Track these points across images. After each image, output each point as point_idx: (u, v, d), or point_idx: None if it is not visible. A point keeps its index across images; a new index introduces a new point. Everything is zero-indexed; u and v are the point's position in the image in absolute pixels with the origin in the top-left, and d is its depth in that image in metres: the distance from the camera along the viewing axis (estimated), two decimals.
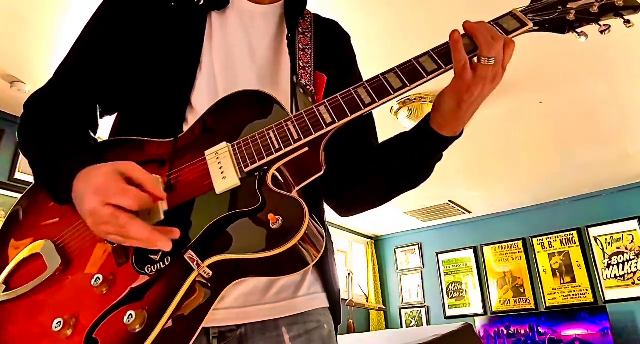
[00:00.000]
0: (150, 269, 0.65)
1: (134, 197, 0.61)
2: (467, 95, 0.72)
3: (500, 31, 0.73)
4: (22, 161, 3.41)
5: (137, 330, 0.61)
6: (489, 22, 0.75)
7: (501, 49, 0.69)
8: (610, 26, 0.71)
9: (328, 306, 0.86)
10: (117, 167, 0.65)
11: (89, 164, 0.68)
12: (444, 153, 0.83)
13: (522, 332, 5.08)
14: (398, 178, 0.86)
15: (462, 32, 0.72)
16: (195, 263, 0.63)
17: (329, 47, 0.98)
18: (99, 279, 0.66)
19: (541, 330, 4.96)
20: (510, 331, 5.14)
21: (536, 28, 0.74)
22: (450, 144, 0.80)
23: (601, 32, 0.72)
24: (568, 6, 0.72)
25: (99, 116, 0.89)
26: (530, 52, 2.93)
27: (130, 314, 0.61)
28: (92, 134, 0.87)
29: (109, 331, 0.62)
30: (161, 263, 0.65)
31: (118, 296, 0.64)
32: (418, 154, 0.82)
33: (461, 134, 0.80)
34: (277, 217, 0.63)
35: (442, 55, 0.72)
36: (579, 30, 0.73)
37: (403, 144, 0.84)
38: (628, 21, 0.70)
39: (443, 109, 0.76)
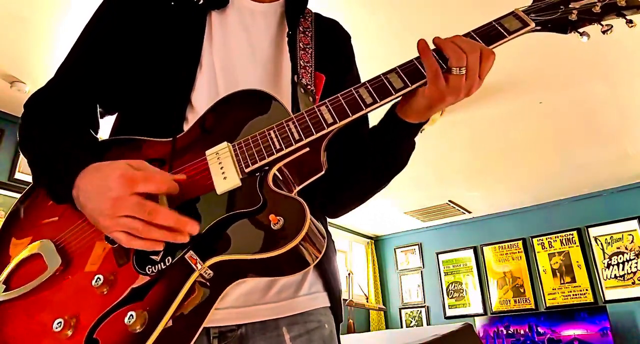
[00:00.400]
0: (151, 269, 0.65)
1: (161, 181, 0.63)
2: (439, 102, 0.73)
3: (479, 40, 0.73)
4: (22, 161, 3.41)
5: (138, 331, 0.60)
6: (492, 22, 0.74)
7: (476, 60, 0.69)
8: (612, 26, 0.71)
9: (329, 305, 0.86)
10: (130, 163, 0.66)
11: (90, 162, 0.68)
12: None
13: (522, 332, 5.08)
14: (374, 170, 0.87)
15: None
16: (196, 263, 0.63)
17: (330, 47, 0.98)
18: (100, 279, 0.66)
19: (541, 330, 4.96)
20: (509, 331, 5.14)
21: (538, 28, 0.74)
22: (417, 129, 0.81)
23: (603, 32, 0.71)
24: (570, 6, 0.72)
25: (99, 116, 0.89)
26: (531, 52, 2.93)
27: (131, 315, 0.61)
28: (92, 134, 0.87)
29: (110, 332, 0.62)
30: (162, 264, 0.65)
31: (119, 297, 0.64)
32: (389, 142, 0.83)
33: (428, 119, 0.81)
34: (278, 217, 0.63)
35: (444, 56, 0.72)
36: (581, 30, 0.73)
37: (375, 136, 0.85)
38: (630, 21, 0.70)
39: (412, 105, 0.76)
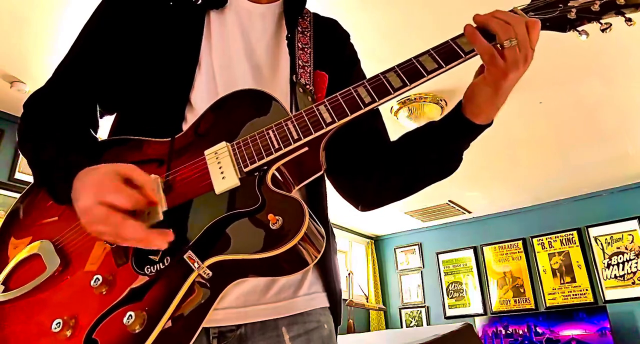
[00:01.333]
0: (149, 269, 0.65)
1: (128, 196, 0.61)
2: (504, 81, 0.72)
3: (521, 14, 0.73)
4: (22, 161, 3.41)
5: (137, 331, 0.60)
6: None
7: (523, 30, 0.69)
8: (611, 24, 0.71)
9: (328, 306, 0.86)
10: (116, 169, 0.65)
11: (88, 164, 0.68)
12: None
13: (520, 332, 5.08)
14: (426, 167, 0.86)
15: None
16: (195, 263, 0.63)
17: (329, 47, 0.98)
18: (99, 279, 0.66)
19: (539, 330, 4.96)
20: (508, 331, 5.14)
21: None
22: (482, 132, 0.80)
23: (602, 30, 0.71)
24: (569, 4, 0.72)
25: (98, 116, 0.89)
26: None
27: (130, 315, 0.61)
28: (92, 134, 0.86)
29: (109, 332, 0.62)
30: (161, 264, 0.65)
31: (117, 297, 0.64)
32: (449, 142, 0.82)
33: (492, 121, 0.81)
34: (277, 217, 0.63)
35: (442, 55, 0.72)
36: (579, 28, 0.73)
37: (433, 132, 0.84)
38: (629, 19, 0.70)
39: (478, 100, 0.76)
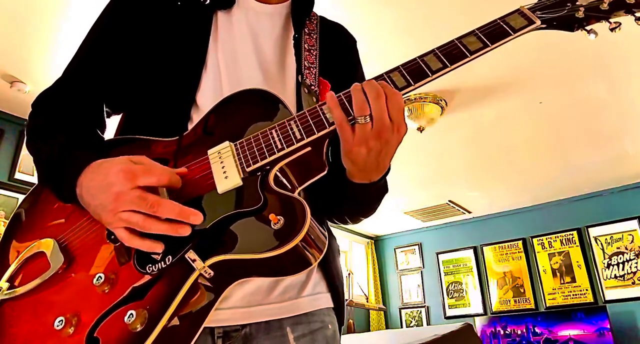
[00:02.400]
0: (151, 268, 0.65)
1: (162, 173, 0.63)
2: (352, 155, 0.70)
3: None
4: (22, 161, 3.40)
5: (138, 329, 0.60)
6: (497, 20, 0.73)
7: (379, 105, 0.66)
8: (620, 24, 0.70)
9: (332, 306, 0.86)
10: (129, 158, 0.66)
11: (93, 160, 0.68)
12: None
13: (519, 332, 5.08)
14: (346, 210, 0.88)
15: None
16: (197, 262, 0.63)
17: (335, 50, 0.98)
18: (101, 278, 0.66)
19: (538, 330, 4.97)
20: (506, 331, 5.14)
21: (544, 26, 0.73)
22: (375, 186, 0.77)
23: (611, 29, 0.70)
24: (577, 3, 0.71)
25: (105, 116, 0.89)
26: (531, 52, 2.93)
27: (131, 314, 0.61)
28: (98, 133, 0.87)
29: (110, 330, 0.62)
30: (162, 263, 0.65)
31: (120, 295, 0.64)
32: (347, 195, 0.81)
33: (386, 174, 0.78)
34: (278, 217, 0.63)
35: (448, 54, 0.72)
36: (588, 27, 0.72)
37: (336, 184, 0.82)
38: (639, 18, 0.69)
39: (345, 165, 0.75)
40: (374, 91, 0.67)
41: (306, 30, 0.94)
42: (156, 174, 0.64)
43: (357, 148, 0.68)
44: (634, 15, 0.69)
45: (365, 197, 0.82)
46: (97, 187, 0.65)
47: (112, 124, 0.91)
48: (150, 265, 0.65)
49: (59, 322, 0.64)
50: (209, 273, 0.63)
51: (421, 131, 3.58)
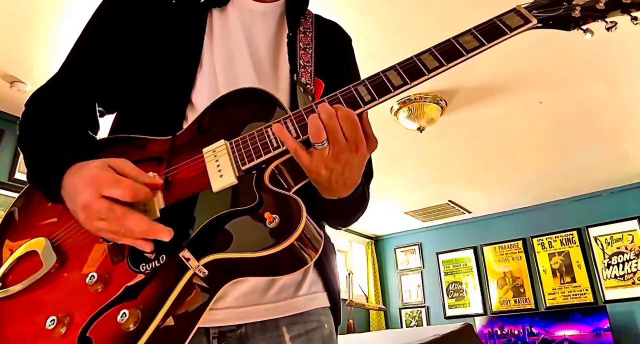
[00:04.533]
0: (145, 267, 0.64)
1: (128, 187, 0.61)
2: (314, 176, 0.70)
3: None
4: (22, 161, 3.40)
5: (131, 329, 0.60)
6: (493, 19, 0.73)
7: (335, 126, 0.65)
8: (616, 23, 0.70)
9: (329, 305, 0.85)
10: (109, 162, 0.65)
11: (81, 160, 0.68)
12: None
13: (516, 332, 5.08)
14: (325, 220, 0.87)
15: None
16: (191, 261, 0.63)
17: (330, 49, 0.97)
18: (94, 277, 0.66)
19: (535, 331, 4.96)
20: (504, 332, 5.14)
21: (540, 25, 0.72)
22: (345, 201, 0.76)
23: (607, 29, 0.70)
24: (574, 2, 0.71)
25: (99, 115, 0.89)
26: (531, 52, 2.92)
27: (124, 313, 0.61)
28: (90, 133, 0.86)
29: (103, 330, 0.61)
30: (156, 262, 0.64)
31: (113, 295, 0.64)
32: (322, 207, 0.80)
33: (359, 188, 0.76)
34: (273, 216, 0.62)
35: (444, 53, 0.71)
36: (584, 27, 0.72)
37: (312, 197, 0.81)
38: (635, 18, 0.69)
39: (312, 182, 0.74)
40: (326, 113, 0.65)
41: (301, 29, 0.94)
42: (121, 187, 0.61)
43: (316, 172, 0.68)
44: (630, 15, 0.68)
45: (339, 211, 0.80)
46: (71, 193, 0.65)
47: (106, 123, 0.90)
48: (143, 264, 0.64)
49: (50, 322, 0.64)
50: (204, 272, 0.63)
51: (421, 131, 3.58)
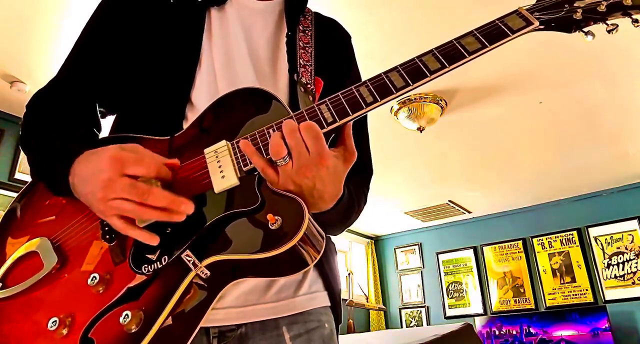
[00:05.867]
0: (147, 268, 0.64)
1: (151, 164, 0.62)
2: (288, 189, 0.67)
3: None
4: (22, 161, 3.40)
5: (133, 330, 0.60)
6: (495, 20, 0.73)
7: (297, 139, 0.64)
8: (617, 25, 0.70)
9: (329, 305, 0.85)
10: (123, 147, 0.65)
11: (85, 150, 0.68)
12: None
13: (514, 332, 5.08)
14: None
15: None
16: (193, 263, 0.63)
17: (330, 47, 0.97)
18: (96, 278, 0.65)
19: (533, 331, 4.97)
20: (501, 332, 5.14)
21: (542, 27, 0.72)
22: (330, 214, 0.74)
23: (609, 31, 0.70)
24: (575, 5, 0.71)
25: (100, 116, 0.89)
26: (531, 52, 2.92)
27: (127, 314, 0.61)
28: (93, 130, 0.86)
29: (105, 331, 0.61)
30: (158, 263, 0.64)
31: (114, 296, 0.64)
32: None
33: (342, 199, 0.74)
34: (276, 217, 0.62)
35: (446, 54, 0.71)
36: (585, 29, 0.72)
37: None
38: (636, 20, 0.69)
39: None
40: (287, 127, 0.64)
41: (300, 28, 0.94)
42: (145, 164, 0.62)
43: (284, 187, 0.66)
44: (631, 17, 0.69)
45: (327, 223, 0.77)
46: (88, 174, 0.65)
47: (107, 124, 0.90)
48: (146, 265, 0.64)
49: (52, 323, 0.64)
50: (206, 274, 0.63)
51: (421, 131, 3.58)
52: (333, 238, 0.91)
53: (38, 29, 2.59)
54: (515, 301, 5.43)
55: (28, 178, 0.82)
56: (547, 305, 5.19)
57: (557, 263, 5.28)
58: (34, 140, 0.78)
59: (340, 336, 0.88)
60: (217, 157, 0.70)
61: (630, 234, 4.88)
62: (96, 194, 0.63)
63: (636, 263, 4.77)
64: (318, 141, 0.64)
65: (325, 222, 0.75)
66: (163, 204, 0.61)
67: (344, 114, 0.70)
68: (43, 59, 2.84)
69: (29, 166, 0.78)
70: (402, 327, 6.07)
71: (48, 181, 0.74)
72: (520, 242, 5.61)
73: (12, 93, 3.11)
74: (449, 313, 5.83)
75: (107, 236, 0.68)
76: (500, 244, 5.74)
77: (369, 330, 5.88)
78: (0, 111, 3.38)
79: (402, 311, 6.22)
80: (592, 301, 4.93)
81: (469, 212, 5.87)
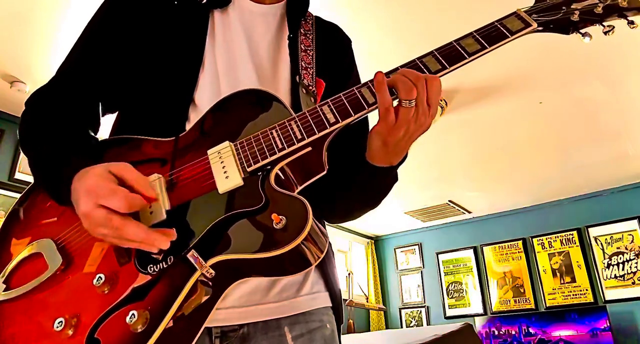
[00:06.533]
0: (152, 268, 0.65)
1: (123, 199, 0.61)
2: (390, 137, 0.72)
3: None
4: (22, 161, 3.41)
5: (140, 330, 0.60)
6: (494, 22, 0.74)
7: (423, 89, 0.68)
8: (614, 27, 0.71)
9: (331, 305, 0.86)
10: (110, 168, 0.65)
11: (87, 165, 0.68)
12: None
13: (513, 332, 5.08)
14: (352, 200, 0.88)
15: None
16: (198, 262, 0.63)
17: (331, 51, 0.98)
18: (101, 278, 0.66)
19: (532, 331, 4.97)
20: (501, 332, 5.15)
21: (540, 28, 0.74)
22: (393, 171, 0.79)
23: (605, 33, 0.71)
24: (572, 7, 0.72)
25: (100, 114, 0.89)
26: (531, 52, 2.93)
27: (133, 314, 0.61)
28: (92, 133, 0.86)
29: (111, 331, 0.62)
30: (164, 263, 0.65)
31: (120, 296, 0.64)
32: (361, 180, 0.82)
33: (403, 160, 0.79)
34: (280, 217, 0.63)
35: (446, 56, 0.72)
36: (582, 30, 0.73)
37: (347, 170, 0.83)
38: (632, 22, 0.70)
39: (371, 146, 0.76)
40: (414, 76, 0.69)
41: (302, 31, 0.94)
42: (117, 198, 0.61)
43: (396, 131, 0.70)
44: (627, 19, 0.70)
45: (378, 184, 0.82)
46: (74, 201, 0.66)
47: (107, 122, 0.90)
48: (151, 265, 0.65)
49: (58, 323, 0.64)
50: (211, 273, 0.64)
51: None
52: (332, 238, 0.92)
53: (38, 28, 2.60)
54: (515, 301, 5.43)
55: (28, 178, 0.83)
56: (547, 305, 5.19)
57: (557, 262, 5.28)
58: (34, 146, 0.78)
59: (340, 337, 0.89)
60: (220, 157, 0.71)
61: (630, 234, 4.88)
62: (82, 221, 0.65)
63: (636, 262, 4.78)
64: (439, 97, 0.70)
65: (383, 182, 0.81)
66: (137, 240, 0.62)
67: (346, 114, 0.71)
68: (43, 59, 2.85)
69: (32, 173, 0.78)
70: (402, 327, 6.07)
71: (51, 194, 0.75)
72: (520, 242, 5.61)
73: (12, 93, 3.12)
74: (449, 313, 5.83)
75: None
76: (500, 244, 5.74)
77: (369, 330, 5.88)
78: (1, 111, 3.39)
79: (402, 311, 6.22)
80: (592, 301, 4.93)
81: (469, 212, 5.87)
